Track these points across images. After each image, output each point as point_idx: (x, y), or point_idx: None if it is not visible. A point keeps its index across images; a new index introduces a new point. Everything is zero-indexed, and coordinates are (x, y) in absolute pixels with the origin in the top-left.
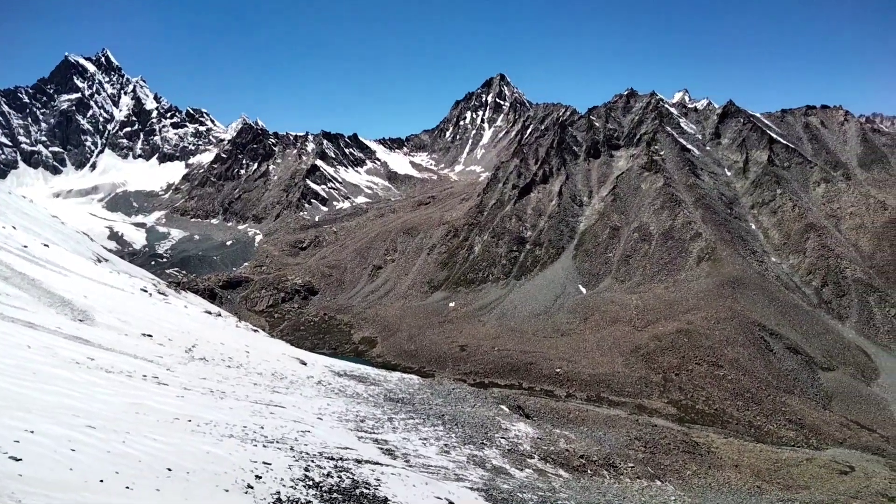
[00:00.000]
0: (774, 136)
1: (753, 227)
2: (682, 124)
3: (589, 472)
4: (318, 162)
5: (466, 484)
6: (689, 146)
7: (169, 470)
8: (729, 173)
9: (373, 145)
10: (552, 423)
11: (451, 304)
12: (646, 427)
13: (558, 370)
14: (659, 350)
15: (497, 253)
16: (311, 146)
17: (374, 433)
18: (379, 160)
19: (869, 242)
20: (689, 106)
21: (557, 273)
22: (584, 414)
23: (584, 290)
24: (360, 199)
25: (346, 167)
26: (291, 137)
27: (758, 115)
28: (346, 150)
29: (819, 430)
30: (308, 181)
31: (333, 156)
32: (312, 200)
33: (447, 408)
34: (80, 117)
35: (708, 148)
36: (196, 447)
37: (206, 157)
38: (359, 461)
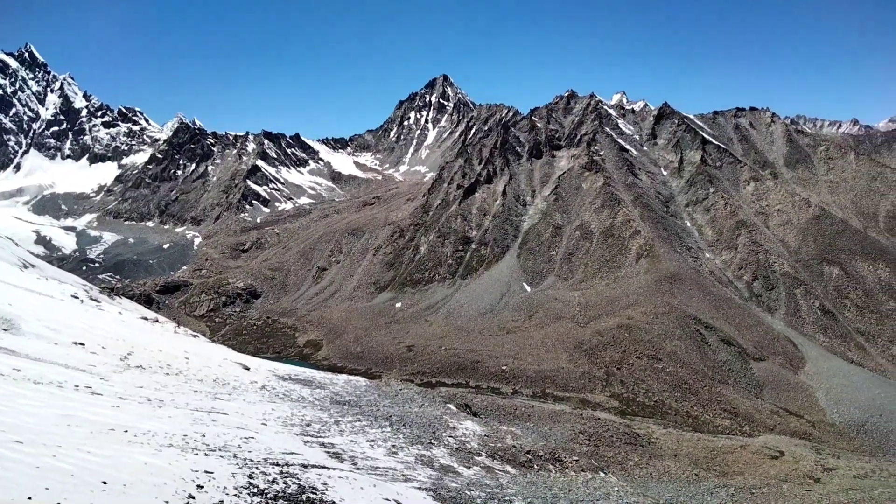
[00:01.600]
0: (707, 136)
1: (688, 224)
2: (620, 125)
3: (535, 467)
4: (260, 162)
5: (415, 484)
6: (627, 146)
7: (104, 483)
8: (665, 173)
9: (316, 145)
10: (499, 420)
11: (398, 305)
12: (589, 421)
13: (504, 367)
14: (601, 345)
15: (443, 252)
16: (251, 146)
17: (320, 437)
18: (322, 160)
19: (795, 238)
20: (627, 107)
21: (502, 272)
22: (530, 410)
23: (528, 288)
24: (304, 200)
25: (289, 168)
26: (231, 137)
27: (691, 116)
28: (289, 151)
29: (751, 418)
30: (249, 182)
31: (275, 156)
32: (254, 202)
33: (395, 409)
34: (1, 116)
35: (645, 148)
36: (133, 458)
37: (140, 158)
38: (305, 466)
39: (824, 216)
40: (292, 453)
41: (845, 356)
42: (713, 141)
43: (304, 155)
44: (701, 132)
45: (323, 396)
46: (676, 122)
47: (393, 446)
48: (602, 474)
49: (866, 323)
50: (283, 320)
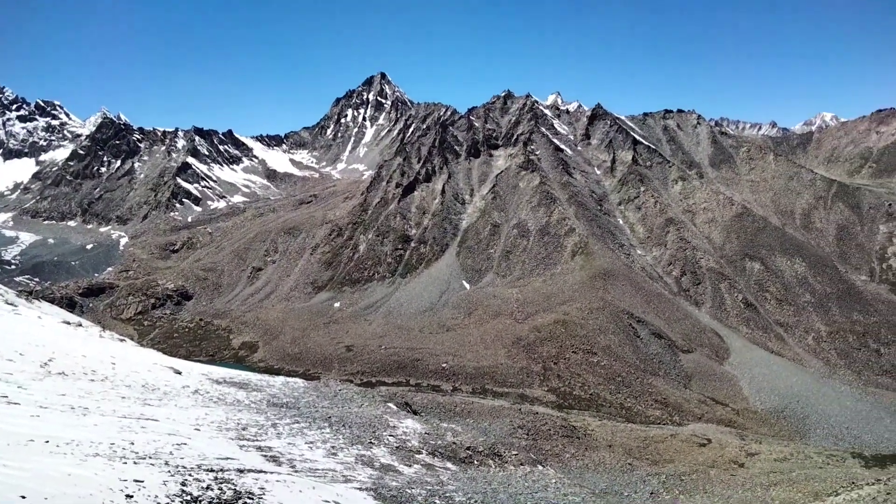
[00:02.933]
0: (638, 137)
1: (621, 222)
2: (555, 125)
3: (475, 462)
4: (190, 159)
5: (355, 485)
6: (562, 146)
7: (23, 498)
8: (598, 172)
9: (249, 142)
10: (439, 417)
11: (337, 305)
12: (528, 415)
13: (444, 365)
14: (539, 341)
15: (382, 251)
16: (181, 143)
17: (257, 440)
18: (256, 158)
19: (719, 235)
20: (562, 108)
21: (442, 270)
22: (470, 406)
23: (467, 286)
24: (237, 199)
25: (221, 165)
26: (159, 133)
27: (623, 117)
28: (221, 148)
29: (681, 408)
30: (179, 179)
31: (207, 153)
32: (184, 200)
33: (334, 409)
34: None
35: (579, 148)
36: (56, 470)
37: (60, 154)
38: (241, 471)
39: (746, 214)
40: (227, 458)
41: (766, 347)
42: (643, 141)
43: (237, 152)
44: (632, 133)
45: (259, 399)
46: (609, 122)
47: (332, 447)
48: (540, 467)
49: (785, 315)
50: (216, 322)
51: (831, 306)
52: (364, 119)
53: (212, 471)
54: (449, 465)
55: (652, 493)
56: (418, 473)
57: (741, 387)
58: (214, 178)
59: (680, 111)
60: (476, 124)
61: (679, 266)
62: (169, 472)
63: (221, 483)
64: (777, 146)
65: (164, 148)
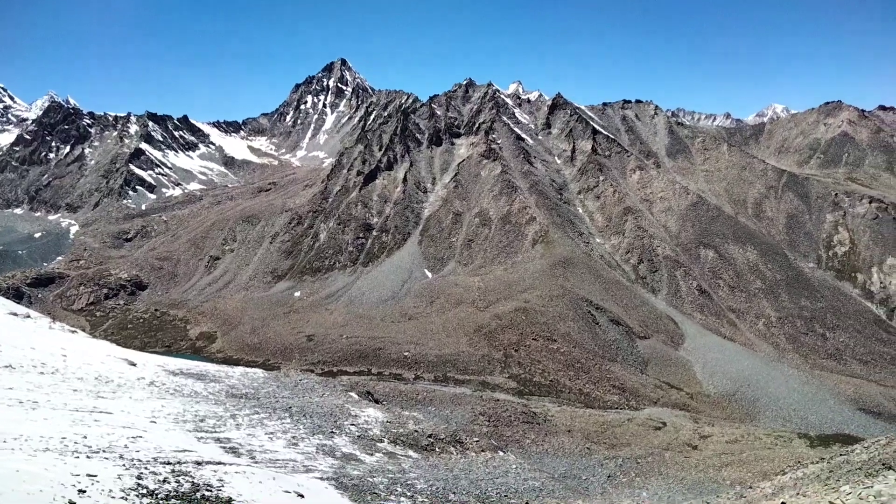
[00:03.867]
0: (597, 127)
1: (580, 210)
2: (516, 114)
3: (437, 450)
4: (144, 145)
5: (316, 474)
6: (523, 135)
7: None
8: (559, 161)
9: (206, 128)
10: (401, 405)
11: (297, 294)
12: (489, 402)
13: (406, 353)
14: (500, 328)
15: (343, 240)
16: (134, 128)
17: (215, 432)
18: (213, 144)
19: (675, 223)
20: (523, 97)
21: (404, 258)
22: (432, 394)
23: (429, 275)
24: (194, 186)
25: (177, 151)
26: (111, 118)
27: (582, 107)
28: (176, 133)
29: (637, 393)
30: (132, 166)
31: (161, 139)
32: (138, 187)
33: (294, 399)
34: None
35: (540, 137)
36: (3, 466)
37: (4, 139)
38: (199, 463)
39: (701, 203)
40: (185, 451)
41: (719, 332)
42: (603, 131)
43: (193, 138)
44: (592, 122)
45: (218, 390)
46: (569, 112)
47: (293, 437)
48: (501, 453)
49: (737, 301)
50: (172, 312)
51: (781, 293)
52: (324, 106)
53: (168, 463)
54: (411, 452)
55: (609, 477)
56: (380, 462)
57: (695, 371)
58: (169, 165)
59: (638, 101)
60: (438, 112)
61: (637, 254)
62: (124, 465)
63: (179, 476)
64: (731, 137)
65: (115, 133)
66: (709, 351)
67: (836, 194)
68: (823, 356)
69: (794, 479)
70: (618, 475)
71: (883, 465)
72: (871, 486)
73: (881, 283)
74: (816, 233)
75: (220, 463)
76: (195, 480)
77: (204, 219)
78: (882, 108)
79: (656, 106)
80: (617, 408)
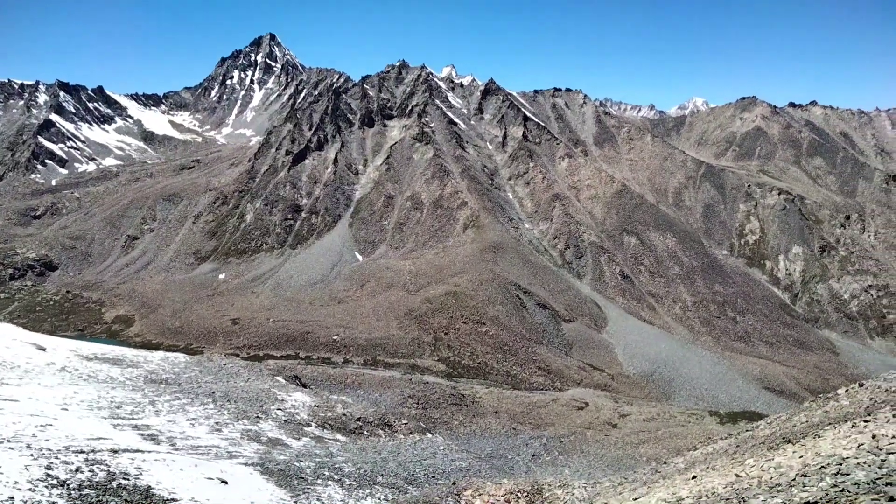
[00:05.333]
0: (528, 114)
1: (511, 196)
2: (450, 98)
3: (366, 433)
4: (54, 117)
5: (241, 460)
6: (456, 120)
7: None
8: (490, 147)
9: (123, 101)
10: (330, 389)
11: (222, 276)
12: (418, 385)
13: (335, 337)
14: (430, 312)
15: (271, 221)
16: (43, 98)
17: (133, 419)
18: (132, 118)
19: (601, 210)
20: (456, 81)
21: (334, 241)
22: (361, 378)
23: (360, 258)
24: (110, 161)
25: (91, 124)
26: (16, 86)
27: (514, 93)
28: (90, 105)
29: (562, 374)
30: (41, 139)
31: (73, 110)
32: (47, 161)
33: (218, 384)
34: None
35: (472, 122)
36: None
37: None
38: (115, 451)
39: (625, 191)
40: (100, 438)
41: (639, 315)
42: (534, 118)
43: (109, 111)
44: (523, 109)
45: (136, 376)
46: (501, 98)
47: (216, 423)
48: (429, 435)
49: (656, 286)
50: (86, 294)
51: (696, 278)
52: (252, 82)
53: (82, 452)
54: (339, 436)
55: (534, 456)
56: (307, 446)
57: (616, 353)
58: (83, 139)
59: (568, 90)
60: (370, 93)
61: (563, 240)
62: (31, 455)
63: (93, 465)
64: (654, 128)
65: (22, 103)
66: (629, 333)
67: (749, 186)
68: (733, 338)
69: (705, 454)
70: (542, 454)
71: (783, 439)
72: (772, 459)
73: (787, 270)
74: (730, 222)
75: (137, 451)
76: (111, 469)
77: (121, 196)
78: (792, 104)
79: (585, 95)
80: (542, 389)
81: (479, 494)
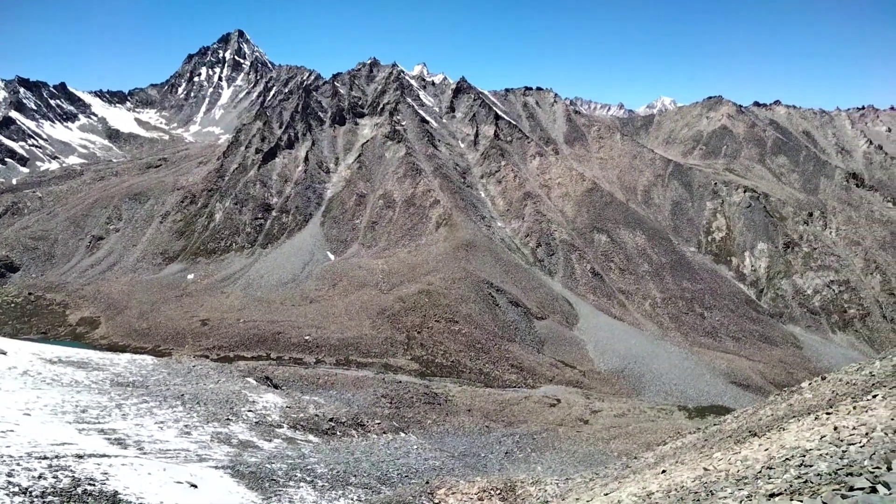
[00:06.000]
0: (500, 112)
1: (483, 194)
2: (421, 96)
3: (338, 433)
4: (14, 114)
5: (211, 463)
6: (428, 118)
7: None
8: (462, 145)
9: (87, 98)
10: (301, 390)
11: (190, 276)
12: (391, 384)
13: (307, 337)
14: (403, 311)
15: (241, 220)
16: (2, 94)
17: (99, 423)
18: (96, 115)
19: (572, 208)
20: (428, 79)
21: (305, 240)
22: (334, 378)
23: (332, 257)
24: (73, 160)
25: (53, 122)
26: None
27: (486, 92)
28: (52, 102)
29: (534, 371)
30: (0, 136)
31: (35, 107)
32: (7, 160)
33: (187, 387)
34: None
35: (444, 120)
36: None
37: None
38: (80, 456)
39: (596, 189)
40: (64, 444)
41: (610, 312)
42: (505, 117)
43: (72, 108)
44: (494, 108)
45: (102, 379)
46: (473, 96)
47: (185, 426)
48: (403, 434)
49: (626, 283)
50: (49, 296)
51: (665, 275)
52: (220, 79)
53: (45, 458)
54: (311, 437)
55: (507, 453)
56: (279, 448)
57: (587, 350)
58: (45, 137)
59: (539, 89)
60: (341, 91)
61: (535, 238)
62: None
63: (57, 471)
64: (624, 127)
65: None
66: (600, 330)
67: (716, 183)
68: (701, 334)
69: (674, 449)
70: (515, 451)
71: (749, 432)
72: (739, 452)
73: (752, 266)
74: (698, 219)
75: (104, 455)
76: (76, 475)
77: (85, 195)
78: (757, 104)
79: (556, 94)
80: (515, 386)
81: (453, 493)
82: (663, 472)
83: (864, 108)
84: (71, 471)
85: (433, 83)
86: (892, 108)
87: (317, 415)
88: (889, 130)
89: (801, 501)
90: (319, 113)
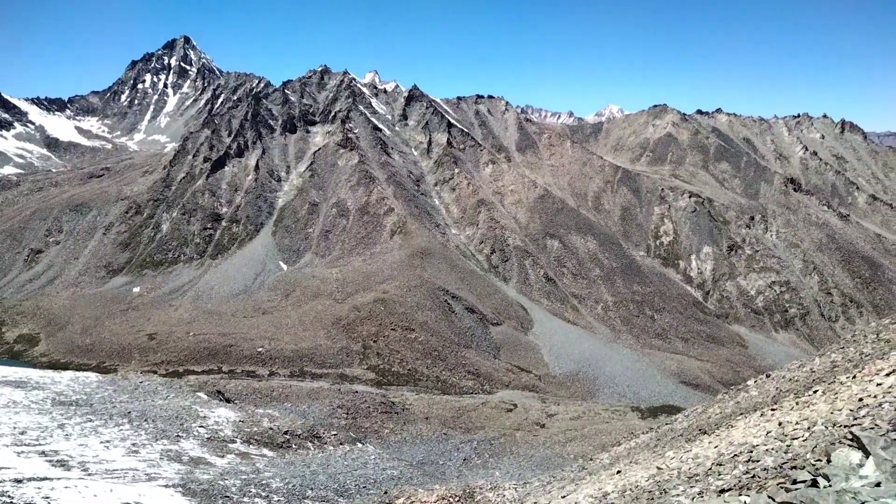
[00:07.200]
0: (452, 120)
1: (437, 202)
2: (373, 104)
3: (294, 446)
4: None
5: (160, 482)
6: (380, 126)
7: None
8: (416, 153)
9: (23, 105)
10: (255, 403)
11: (136, 290)
12: (347, 395)
13: (260, 349)
14: (359, 320)
15: (189, 231)
16: None
17: (39, 444)
18: (33, 124)
19: (525, 215)
20: (380, 87)
21: (257, 250)
22: (288, 390)
23: (284, 267)
24: (9, 170)
25: None
26: None
27: (438, 100)
28: None
29: (491, 377)
30: None
31: None
32: None
33: (134, 404)
34: None
35: (397, 128)
36: None
37: None
38: (19, 480)
39: (548, 196)
40: (1, 468)
41: (563, 317)
42: (458, 125)
43: (7, 116)
44: (447, 116)
45: (42, 398)
46: (425, 104)
47: (133, 445)
48: (360, 445)
49: (579, 287)
50: None
51: (616, 279)
52: (165, 86)
53: None
54: (266, 451)
55: (465, 460)
56: (232, 463)
57: (542, 354)
58: None
59: (490, 97)
60: (292, 98)
61: (489, 244)
62: None
63: None
64: (574, 134)
65: None
66: (554, 334)
67: (663, 189)
68: (652, 336)
69: (628, 449)
70: (473, 458)
71: (700, 430)
72: (690, 450)
73: (698, 269)
74: (646, 224)
75: (45, 478)
76: (14, 500)
77: (22, 207)
78: (700, 112)
79: (507, 102)
80: (472, 393)
81: (412, 502)
82: (618, 472)
83: (799, 115)
84: (9, 496)
85: (385, 91)
86: (824, 116)
87: (271, 428)
88: (823, 137)
89: (749, 496)
90: (270, 121)
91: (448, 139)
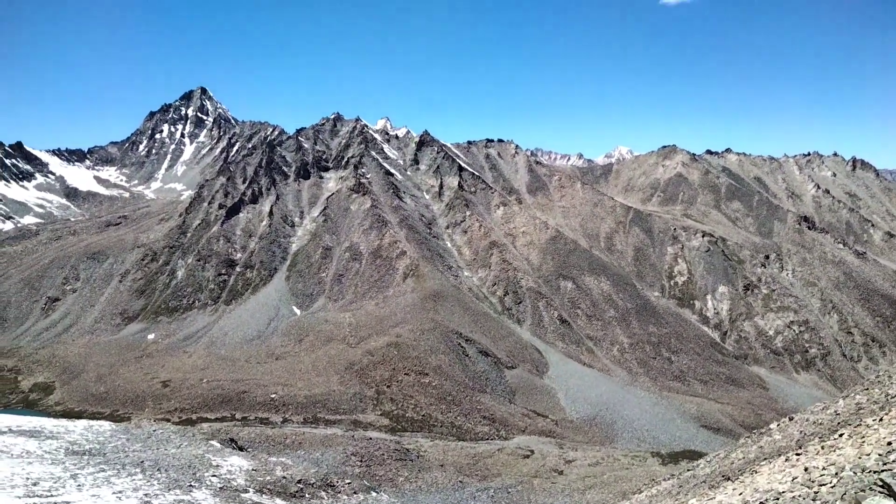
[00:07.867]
0: (463, 164)
1: (449, 245)
2: (385, 149)
3: (307, 496)
4: None
5: None
6: (392, 170)
7: None
8: (427, 196)
9: (45, 157)
10: (268, 451)
11: (151, 336)
12: (361, 441)
13: (273, 396)
14: (372, 365)
15: (204, 277)
16: None
17: (52, 496)
18: (53, 174)
19: (537, 256)
20: (391, 133)
21: (270, 295)
22: (301, 437)
23: (298, 312)
24: (29, 220)
25: (8, 181)
26: None
27: (449, 144)
28: (8, 162)
29: (507, 422)
30: None
31: None
32: None
33: (147, 453)
34: None
35: (408, 173)
36: None
37: None
38: None
39: (559, 237)
40: None
41: (579, 359)
42: (468, 168)
43: (28, 167)
44: (458, 160)
45: (56, 448)
46: (436, 149)
47: (145, 495)
48: (374, 494)
49: (594, 329)
50: (0, 362)
51: (632, 320)
52: (182, 136)
53: None
54: (279, 501)
55: None
56: None
57: (559, 398)
58: (0, 197)
59: (500, 141)
60: (305, 145)
61: (502, 286)
62: None
63: None
64: (584, 176)
65: None
66: (570, 378)
67: (675, 229)
68: (670, 378)
69: (649, 497)
70: None
71: (723, 476)
72: (714, 498)
73: (715, 309)
74: (660, 264)
75: None
76: None
77: (41, 256)
78: (709, 152)
79: (517, 145)
80: (487, 438)
81: None
82: None
83: (809, 154)
84: None
85: (396, 136)
86: (835, 154)
87: (284, 477)
88: (834, 175)
89: None
90: (284, 167)
91: (459, 182)
